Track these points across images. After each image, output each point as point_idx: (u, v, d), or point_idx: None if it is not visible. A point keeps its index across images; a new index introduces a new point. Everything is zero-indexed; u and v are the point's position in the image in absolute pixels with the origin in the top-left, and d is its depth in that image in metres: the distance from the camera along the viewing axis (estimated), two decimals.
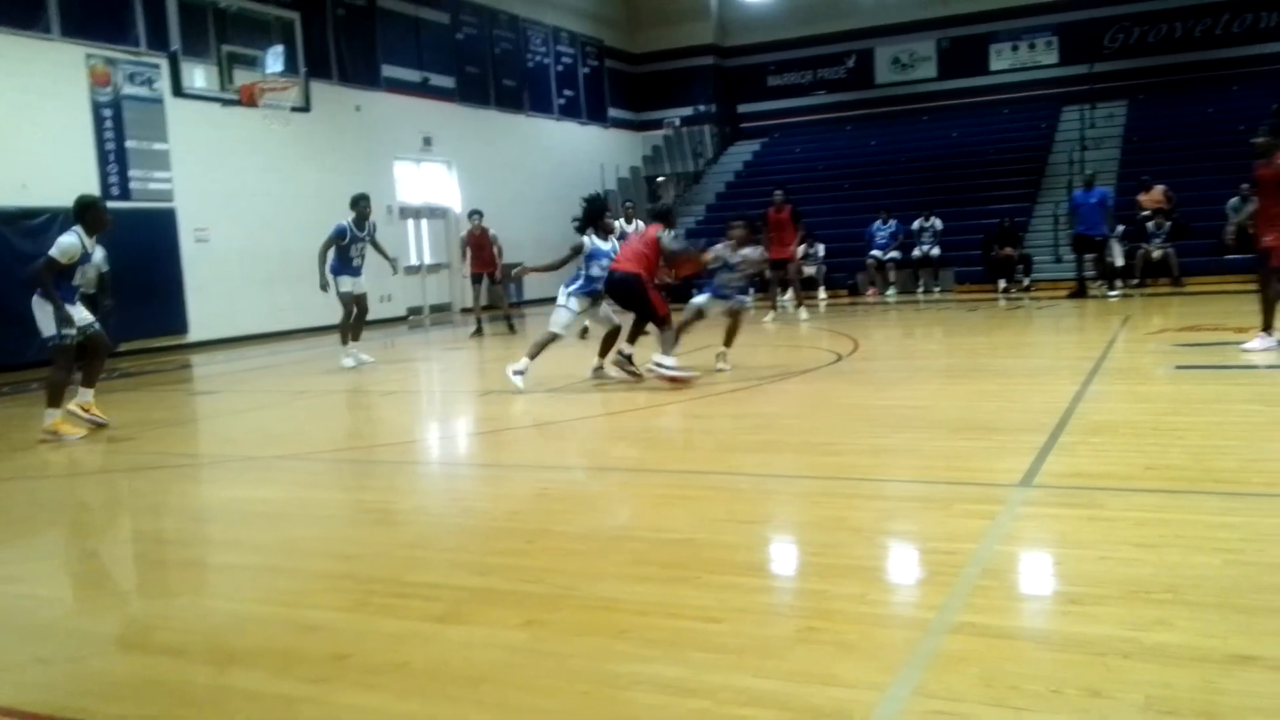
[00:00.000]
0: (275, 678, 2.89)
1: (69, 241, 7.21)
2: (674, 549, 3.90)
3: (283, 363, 12.66)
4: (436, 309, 20.08)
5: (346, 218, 10.88)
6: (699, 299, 8.95)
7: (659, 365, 7.97)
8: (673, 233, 8.44)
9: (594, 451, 6.19)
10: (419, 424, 8.15)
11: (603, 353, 8.72)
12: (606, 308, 8.63)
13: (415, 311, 19.41)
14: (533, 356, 8.28)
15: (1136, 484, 4.49)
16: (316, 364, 12.40)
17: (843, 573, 3.50)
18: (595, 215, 8.67)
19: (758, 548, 4.03)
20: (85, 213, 7.37)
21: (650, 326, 8.40)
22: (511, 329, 14.64)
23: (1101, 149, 19.84)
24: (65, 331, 7.30)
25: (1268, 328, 8.11)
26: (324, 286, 10.85)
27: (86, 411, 7.66)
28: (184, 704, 2.77)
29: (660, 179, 25.35)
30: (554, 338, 8.42)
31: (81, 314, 7.53)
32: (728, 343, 8.74)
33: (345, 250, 10.82)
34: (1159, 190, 16.35)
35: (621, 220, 13.34)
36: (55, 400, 7.44)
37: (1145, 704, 2.41)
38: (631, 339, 8.55)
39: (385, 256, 11.74)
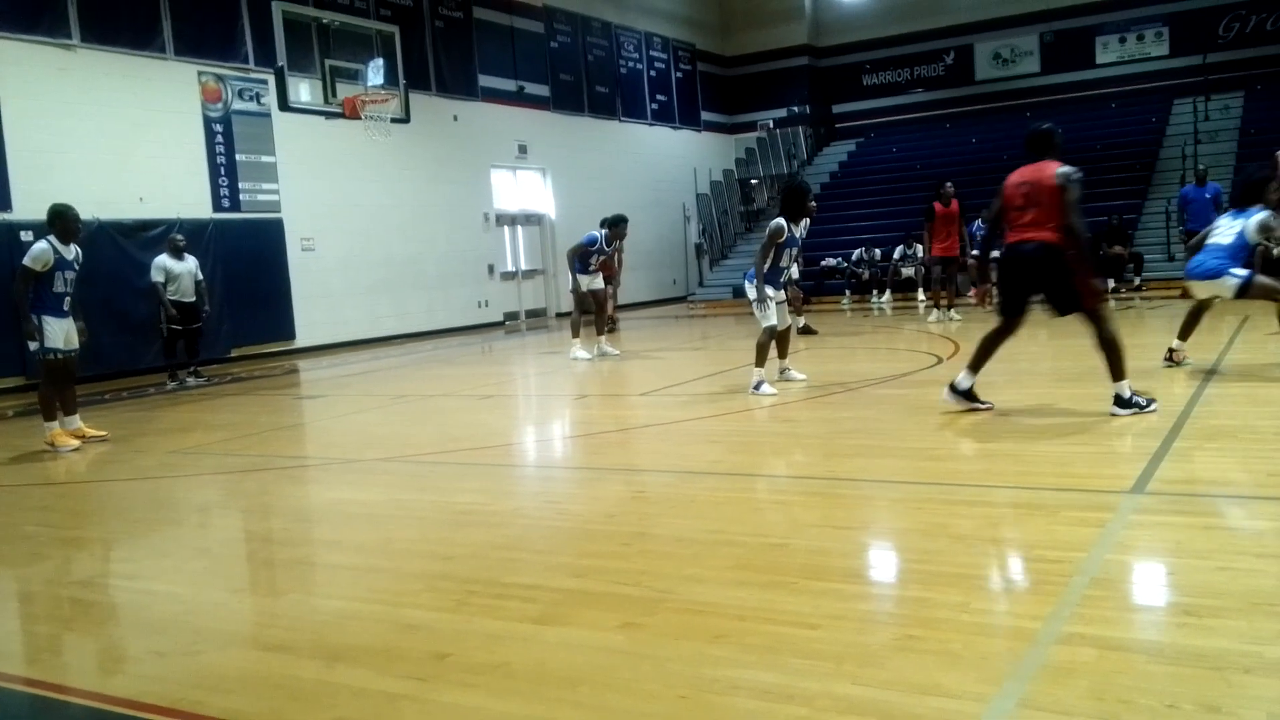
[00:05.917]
0: (378, 675, 2.95)
1: (39, 249, 7.41)
2: (770, 554, 3.87)
3: (383, 368, 12.96)
4: (532, 314, 20.31)
5: (600, 230, 12.01)
6: None
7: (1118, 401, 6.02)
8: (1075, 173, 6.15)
9: (688, 455, 6.18)
10: (514, 428, 8.25)
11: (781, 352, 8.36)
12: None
13: (512, 317, 19.67)
14: (760, 364, 7.91)
15: (1257, 491, 4.29)
16: (416, 369, 12.68)
17: (944, 580, 3.41)
18: (793, 198, 7.87)
19: (856, 554, 3.96)
20: (56, 221, 7.56)
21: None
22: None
23: (1216, 143, 19.06)
24: (49, 346, 7.41)
25: None
26: (574, 290, 11.94)
27: (83, 438, 7.74)
28: (292, 698, 2.85)
29: (754, 181, 25.23)
30: (772, 334, 7.96)
31: (64, 332, 7.54)
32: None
33: (588, 257, 11.94)
34: None
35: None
36: (47, 414, 7.60)
37: None
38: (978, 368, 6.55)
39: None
